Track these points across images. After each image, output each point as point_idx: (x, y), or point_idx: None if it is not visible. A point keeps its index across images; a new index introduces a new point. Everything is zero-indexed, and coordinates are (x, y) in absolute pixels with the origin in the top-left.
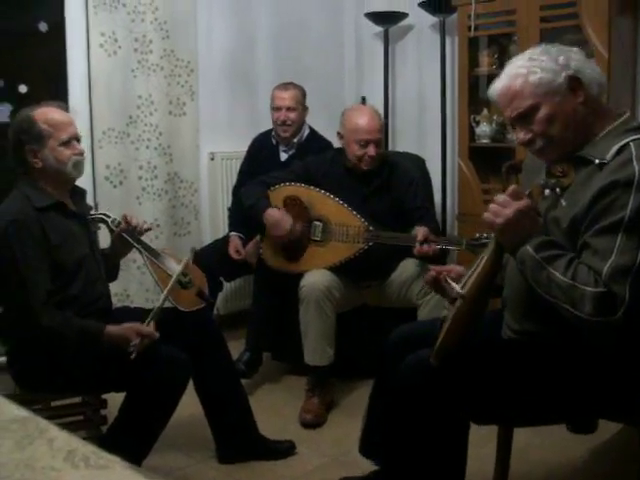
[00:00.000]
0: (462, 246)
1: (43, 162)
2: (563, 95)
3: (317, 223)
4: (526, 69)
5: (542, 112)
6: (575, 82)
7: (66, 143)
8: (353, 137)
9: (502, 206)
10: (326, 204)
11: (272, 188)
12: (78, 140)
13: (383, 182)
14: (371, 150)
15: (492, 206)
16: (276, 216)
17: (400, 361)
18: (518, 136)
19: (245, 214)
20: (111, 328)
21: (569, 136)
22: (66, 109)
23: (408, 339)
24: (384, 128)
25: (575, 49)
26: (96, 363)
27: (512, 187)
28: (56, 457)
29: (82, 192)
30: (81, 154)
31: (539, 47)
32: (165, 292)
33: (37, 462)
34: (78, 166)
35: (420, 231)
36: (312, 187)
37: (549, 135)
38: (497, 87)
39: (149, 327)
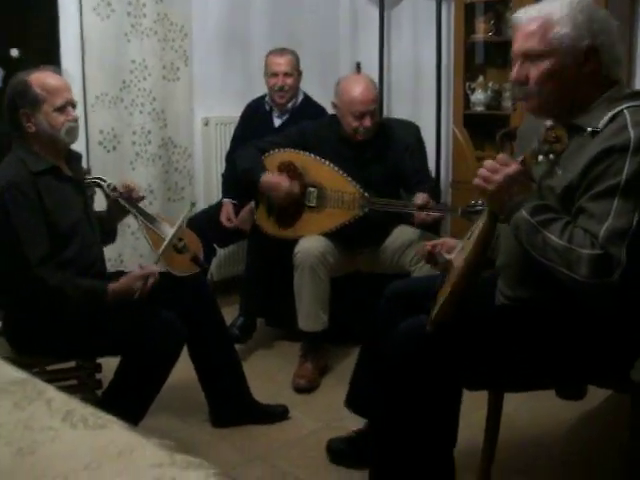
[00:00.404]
0: (457, 213)
1: (36, 127)
2: (575, 60)
3: (312, 189)
4: (560, 15)
5: (546, 64)
6: (592, 53)
7: (60, 109)
8: (348, 109)
9: (492, 172)
10: (321, 170)
11: (266, 154)
12: (73, 106)
13: (379, 149)
14: (366, 122)
15: (481, 171)
16: (272, 180)
17: (394, 317)
18: (513, 70)
19: (239, 178)
20: (113, 285)
21: (557, 98)
22: (60, 73)
23: (403, 295)
24: (379, 97)
25: (614, 22)
26: (92, 327)
27: (499, 156)
28: (54, 417)
29: (78, 156)
30: (75, 120)
31: (584, 1)
32: (160, 251)
33: (36, 422)
34: (72, 132)
35: (420, 197)
36: (307, 153)
37: (539, 87)
38: (525, 15)
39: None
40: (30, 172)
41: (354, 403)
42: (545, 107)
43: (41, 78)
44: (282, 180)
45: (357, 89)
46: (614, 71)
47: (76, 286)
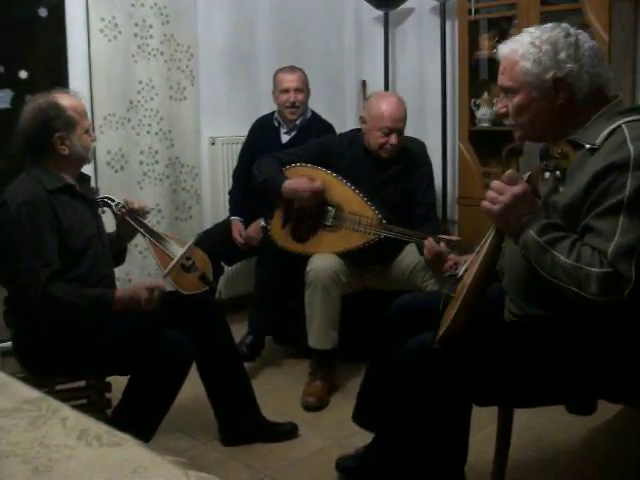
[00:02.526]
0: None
1: (70, 149)
2: (543, 93)
3: (330, 208)
4: (523, 51)
5: (517, 98)
6: (561, 84)
7: (87, 130)
8: (376, 124)
9: (498, 192)
10: (341, 190)
11: (287, 167)
12: (92, 127)
13: (398, 171)
14: (393, 139)
15: (489, 193)
16: (294, 183)
17: (402, 331)
18: (498, 104)
19: (256, 192)
20: (119, 291)
21: (536, 128)
22: (80, 96)
23: (410, 309)
24: (406, 117)
25: (588, 43)
26: (101, 346)
27: (507, 173)
28: (70, 436)
29: (87, 177)
30: (94, 140)
31: (554, 29)
32: (167, 270)
33: (52, 440)
34: (92, 152)
35: (427, 248)
36: (329, 171)
37: (515, 119)
38: (502, 50)
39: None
40: (45, 190)
41: (361, 417)
42: (529, 136)
43: (71, 101)
44: (306, 182)
45: (387, 105)
46: (599, 86)
47: (83, 295)
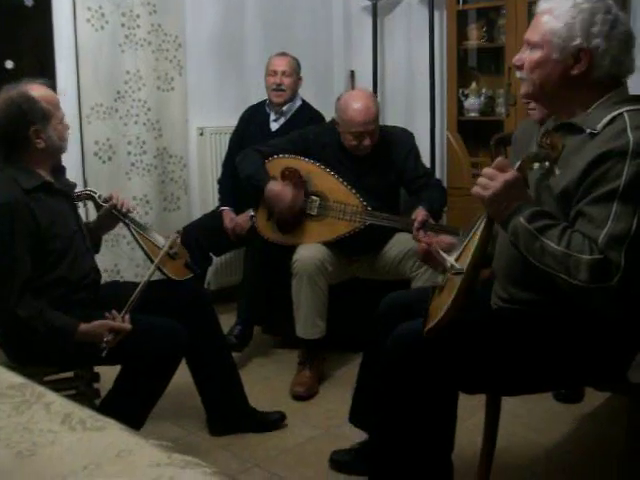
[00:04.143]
0: (459, 236)
1: (46, 141)
2: (563, 57)
3: (314, 198)
4: (560, 12)
5: (536, 54)
6: (583, 55)
7: (62, 120)
8: (347, 128)
9: (490, 178)
10: (325, 180)
11: (270, 159)
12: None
13: (379, 159)
14: (366, 141)
15: (480, 179)
16: (276, 190)
17: (391, 329)
18: (517, 55)
19: (241, 184)
20: (84, 326)
21: (544, 89)
22: (49, 86)
23: (399, 307)
24: (379, 113)
25: (625, 27)
26: None
27: (498, 159)
28: (53, 420)
29: (62, 169)
30: (68, 129)
31: (598, 1)
32: (157, 261)
33: (35, 425)
34: (67, 142)
35: (419, 214)
36: (311, 160)
37: (528, 74)
38: (542, 5)
39: (123, 320)
40: (22, 190)
41: (357, 418)
42: (533, 95)
43: (43, 92)
44: (286, 192)
45: (357, 109)
46: (616, 74)
47: (47, 322)
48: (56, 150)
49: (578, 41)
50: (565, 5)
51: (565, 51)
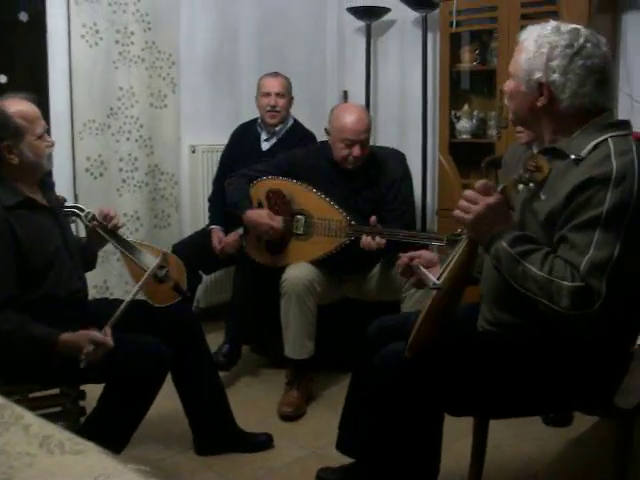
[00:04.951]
0: (443, 242)
1: (20, 157)
2: (528, 89)
3: (299, 217)
4: (527, 44)
5: (511, 84)
6: (544, 89)
7: (41, 136)
8: (339, 136)
9: (471, 202)
10: (308, 198)
11: (254, 182)
12: (48, 132)
13: (369, 179)
14: (356, 151)
15: (461, 202)
16: (253, 217)
17: (376, 355)
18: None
19: (227, 211)
20: (65, 335)
21: (520, 119)
22: (33, 100)
23: (389, 330)
24: (371, 128)
25: (591, 60)
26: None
27: (480, 182)
28: (32, 443)
29: (51, 184)
30: (52, 145)
31: (562, 34)
32: (136, 288)
33: (13, 447)
34: (50, 158)
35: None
36: (294, 180)
37: (508, 104)
38: (522, 34)
39: (106, 334)
40: (3, 207)
41: (345, 444)
42: (516, 123)
43: (18, 107)
44: (264, 218)
45: (350, 117)
46: (586, 107)
47: (27, 335)
48: (32, 166)
49: (537, 75)
50: (531, 38)
51: (529, 84)
